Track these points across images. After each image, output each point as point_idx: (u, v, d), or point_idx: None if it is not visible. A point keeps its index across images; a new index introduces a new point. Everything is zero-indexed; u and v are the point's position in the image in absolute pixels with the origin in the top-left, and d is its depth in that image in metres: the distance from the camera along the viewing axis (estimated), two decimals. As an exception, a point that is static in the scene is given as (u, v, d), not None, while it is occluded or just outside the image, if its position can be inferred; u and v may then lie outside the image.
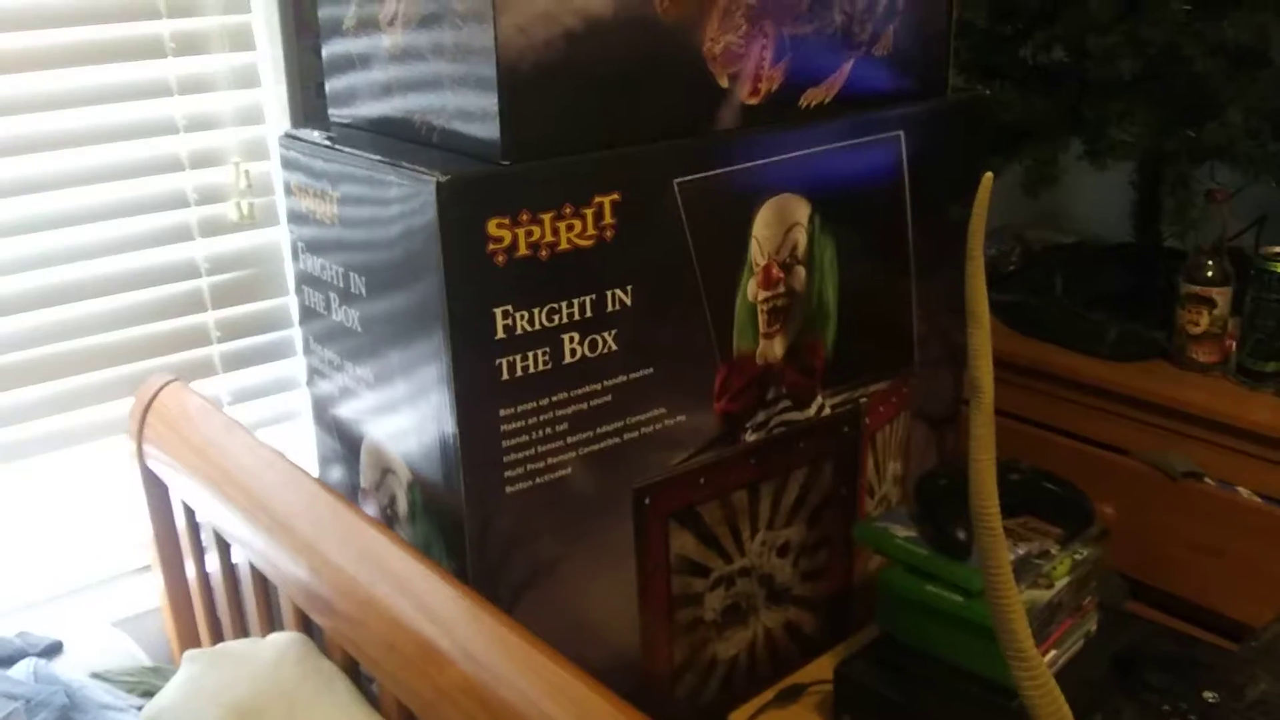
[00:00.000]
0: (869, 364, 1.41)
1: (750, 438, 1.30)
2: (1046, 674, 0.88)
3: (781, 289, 1.28)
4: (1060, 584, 1.20)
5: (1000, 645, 0.88)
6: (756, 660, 1.40)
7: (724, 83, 1.19)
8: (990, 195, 0.89)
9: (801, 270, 1.29)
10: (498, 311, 1.06)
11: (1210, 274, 1.59)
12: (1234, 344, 1.61)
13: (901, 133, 1.36)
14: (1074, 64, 1.73)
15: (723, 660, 1.36)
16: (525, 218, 1.06)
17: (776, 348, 1.29)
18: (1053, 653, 1.21)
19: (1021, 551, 1.21)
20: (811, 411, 1.36)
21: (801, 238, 1.28)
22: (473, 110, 1.07)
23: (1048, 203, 1.90)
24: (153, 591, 1.49)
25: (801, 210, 1.28)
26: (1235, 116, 1.59)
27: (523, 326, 1.08)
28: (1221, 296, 1.59)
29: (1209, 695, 1.15)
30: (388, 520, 1.25)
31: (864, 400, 1.41)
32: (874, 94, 1.34)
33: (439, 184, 1.01)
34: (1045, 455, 1.55)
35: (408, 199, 1.05)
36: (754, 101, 1.22)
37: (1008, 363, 1.69)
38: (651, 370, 1.19)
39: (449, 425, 1.08)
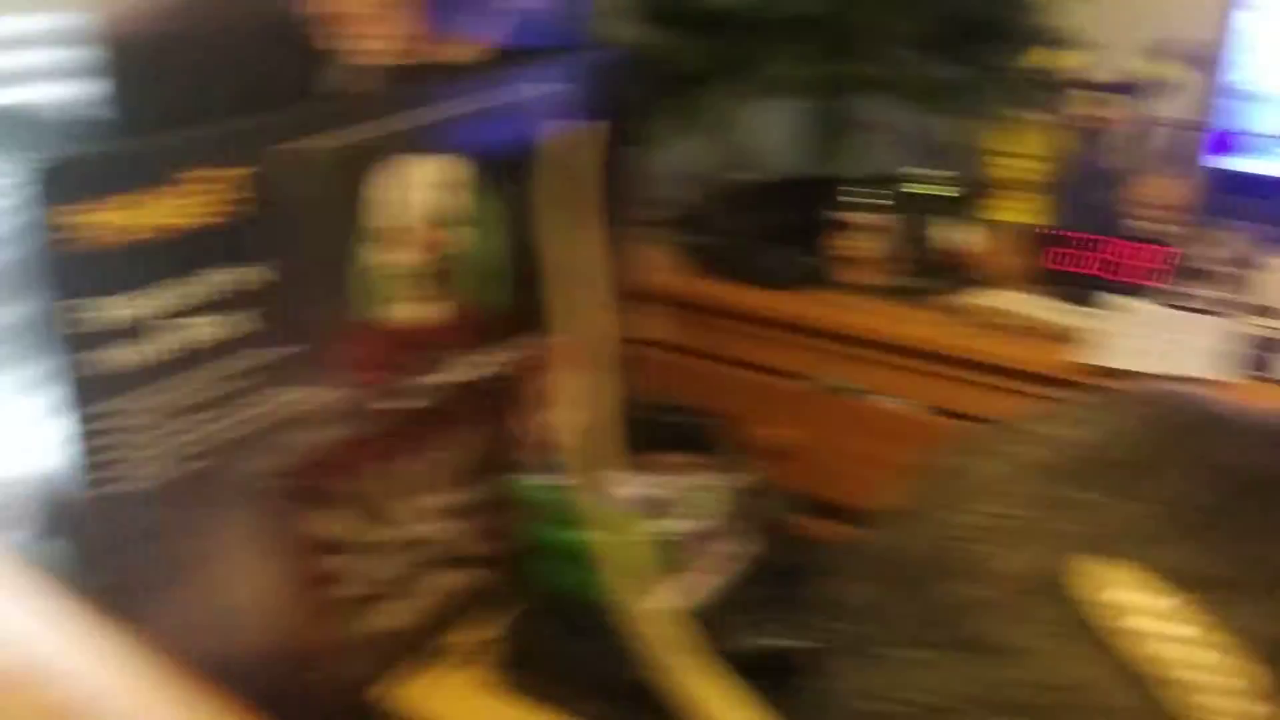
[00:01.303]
0: (526, 322, 1.41)
1: (402, 405, 1.28)
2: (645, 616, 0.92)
3: (428, 253, 1.27)
4: (704, 511, 1.25)
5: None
6: (423, 628, 1.37)
7: (347, 43, 1.17)
8: (604, 145, 0.90)
9: (449, 232, 1.29)
10: (96, 303, 1.01)
11: (867, 201, 1.68)
12: (889, 266, 1.71)
13: (555, 87, 1.36)
14: (745, 7, 1.80)
15: (385, 631, 1.33)
16: (121, 200, 1.02)
17: (427, 312, 1.28)
18: (711, 578, 1.26)
19: (659, 487, 1.25)
20: (468, 373, 1.35)
21: (450, 199, 1.28)
22: (71, 92, 1.03)
23: (729, 145, 1.96)
24: None
25: (450, 170, 1.27)
26: (895, 50, 1.69)
27: (126, 317, 1.03)
28: (877, 222, 1.68)
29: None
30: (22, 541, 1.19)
31: (523, 358, 1.41)
32: (526, 48, 1.33)
33: (28, 171, 0.96)
34: (729, 388, 1.62)
35: (-5, 191, 1.00)
36: (387, 61, 1.20)
37: (689, 303, 1.75)
38: (286, 348, 1.15)
39: (56, 429, 1.03)
